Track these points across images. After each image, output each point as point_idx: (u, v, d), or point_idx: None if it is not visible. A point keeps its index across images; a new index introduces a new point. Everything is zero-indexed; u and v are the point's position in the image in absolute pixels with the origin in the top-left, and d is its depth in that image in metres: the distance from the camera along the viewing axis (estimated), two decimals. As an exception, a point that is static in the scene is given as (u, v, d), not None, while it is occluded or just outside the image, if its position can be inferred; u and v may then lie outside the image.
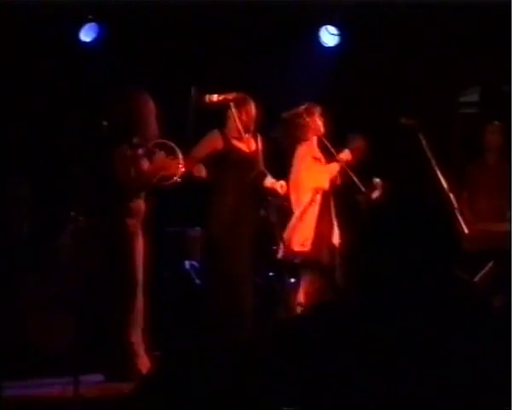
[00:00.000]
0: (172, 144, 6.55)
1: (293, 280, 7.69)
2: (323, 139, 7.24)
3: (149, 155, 6.53)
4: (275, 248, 7.57)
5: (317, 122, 7.22)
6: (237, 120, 6.81)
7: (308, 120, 7.10)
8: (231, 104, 6.84)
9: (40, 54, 8.12)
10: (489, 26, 8.21)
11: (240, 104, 6.89)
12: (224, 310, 6.93)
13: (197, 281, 7.94)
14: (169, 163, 6.49)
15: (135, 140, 6.42)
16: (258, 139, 7.11)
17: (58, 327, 7.26)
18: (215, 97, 6.85)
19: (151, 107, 6.52)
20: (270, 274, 7.95)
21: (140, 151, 6.49)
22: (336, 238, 7.25)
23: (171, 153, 6.55)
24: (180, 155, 6.53)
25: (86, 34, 8.44)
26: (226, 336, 6.69)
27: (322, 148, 7.29)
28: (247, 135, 6.93)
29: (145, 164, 6.50)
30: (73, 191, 7.19)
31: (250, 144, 7.02)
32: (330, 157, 7.23)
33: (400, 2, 8.40)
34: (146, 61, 8.38)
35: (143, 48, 8.47)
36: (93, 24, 8.42)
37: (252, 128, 6.98)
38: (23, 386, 6.49)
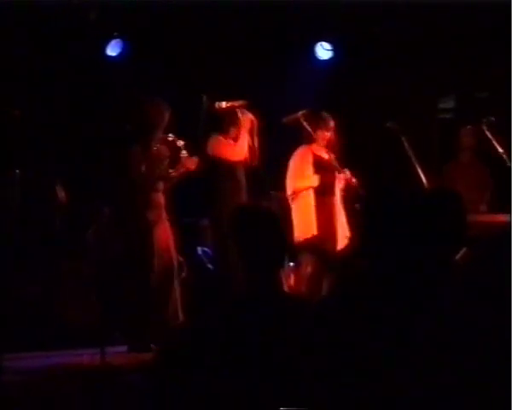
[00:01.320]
0: (173, 136, 6.59)
1: (291, 264, 7.67)
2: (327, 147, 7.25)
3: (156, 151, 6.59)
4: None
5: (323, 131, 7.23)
6: (242, 124, 6.82)
7: (307, 125, 7.11)
8: (237, 110, 6.85)
9: (71, 66, 8.14)
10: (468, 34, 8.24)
11: (245, 110, 6.90)
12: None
13: (208, 265, 7.96)
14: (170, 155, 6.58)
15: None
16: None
17: (88, 305, 7.27)
18: (223, 104, 6.86)
19: (164, 113, 6.56)
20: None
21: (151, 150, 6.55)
22: (346, 232, 7.22)
23: (173, 148, 6.60)
24: (181, 144, 6.59)
25: (112, 49, 8.46)
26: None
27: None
28: (247, 138, 6.90)
29: (156, 161, 6.55)
30: (100, 186, 7.23)
31: (243, 148, 6.99)
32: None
33: (385, 22, 8.43)
34: (164, 73, 8.39)
35: (162, 61, 8.48)
36: (118, 40, 8.44)
37: (254, 132, 6.96)
38: (57, 356, 6.54)
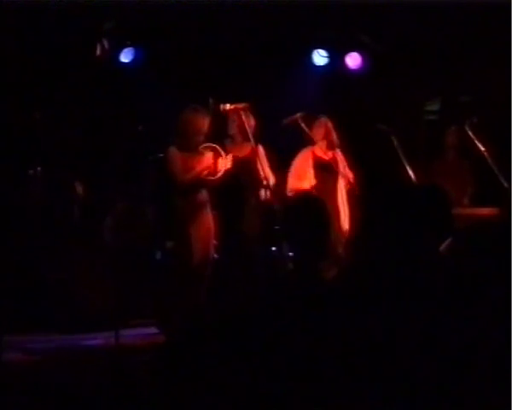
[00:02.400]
0: (217, 147, 6.62)
1: (291, 254, 7.67)
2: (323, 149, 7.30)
3: (199, 155, 6.59)
4: (277, 227, 7.58)
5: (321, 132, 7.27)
6: (246, 125, 6.83)
7: (304, 126, 7.14)
8: (241, 112, 6.86)
9: (88, 72, 8.16)
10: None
11: (247, 112, 6.91)
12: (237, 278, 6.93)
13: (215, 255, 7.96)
14: (213, 162, 6.58)
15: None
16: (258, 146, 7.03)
17: (103, 291, 7.30)
18: (228, 106, 6.88)
19: (203, 120, 6.58)
20: (273, 249, 7.94)
21: (189, 152, 6.57)
22: (345, 224, 7.27)
23: (216, 153, 6.62)
24: (223, 155, 6.61)
25: (125, 56, 8.48)
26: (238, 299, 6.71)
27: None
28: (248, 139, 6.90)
29: (193, 162, 6.56)
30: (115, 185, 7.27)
31: (245, 149, 7.02)
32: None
33: (377, 31, 8.45)
34: (173, 78, 8.42)
35: (171, 68, 8.50)
36: (131, 48, 8.46)
37: (254, 132, 6.95)
38: (75, 339, 6.59)
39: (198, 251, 6.51)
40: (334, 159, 7.32)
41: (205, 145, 6.61)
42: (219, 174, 6.59)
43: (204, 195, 6.63)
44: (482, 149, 6.88)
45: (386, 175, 7.50)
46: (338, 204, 7.28)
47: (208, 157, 6.57)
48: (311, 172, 7.26)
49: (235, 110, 6.87)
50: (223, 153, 6.64)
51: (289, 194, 7.17)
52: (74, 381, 5.02)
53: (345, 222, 7.27)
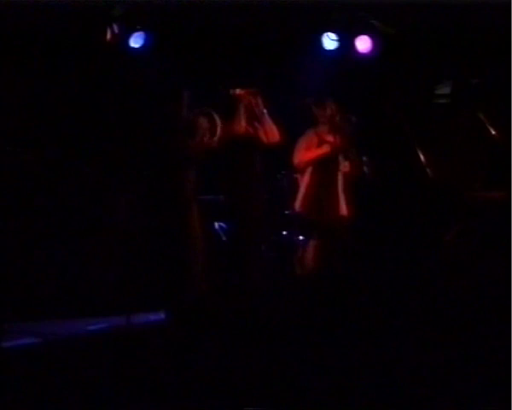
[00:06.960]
0: (210, 111, 6.53)
1: (301, 238, 7.67)
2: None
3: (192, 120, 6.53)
4: (287, 212, 7.58)
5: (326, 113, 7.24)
6: (255, 110, 6.81)
7: (315, 109, 7.13)
8: (251, 97, 6.83)
9: (98, 57, 8.14)
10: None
11: (257, 97, 6.88)
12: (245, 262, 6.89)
13: (224, 239, 7.94)
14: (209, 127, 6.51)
15: None
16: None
17: (116, 276, 7.30)
18: (238, 91, 6.86)
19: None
20: (284, 233, 7.94)
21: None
22: (344, 210, 7.20)
23: (211, 119, 6.54)
24: (218, 122, 6.52)
25: (135, 41, 8.42)
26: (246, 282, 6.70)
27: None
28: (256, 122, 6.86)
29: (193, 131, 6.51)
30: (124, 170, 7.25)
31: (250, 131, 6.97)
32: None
33: (387, 16, 8.38)
34: (183, 63, 8.38)
35: (181, 53, 8.46)
36: (141, 33, 8.41)
37: (263, 116, 6.90)
38: (88, 323, 6.58)
39: (194, 234, 6.45)
40: (336, 142, 7.24)
41: (198, 110, 6.54)
42: (216, 138, 6.49)
43: (193, 177, 6.52)
44: (493, 132, 6.82)
45: (397, 160, 7.46)
46: (338, 188, 7.22)
47: (202, 122, 6.49)
48: (315, 148, 7.23)
49: (245, 95, 6.85)
50: (217, 119, 6.54)
51: (298, 170, 7.15)
52: (84, 365, 4.99)
53: (342, 207, 7.21)
